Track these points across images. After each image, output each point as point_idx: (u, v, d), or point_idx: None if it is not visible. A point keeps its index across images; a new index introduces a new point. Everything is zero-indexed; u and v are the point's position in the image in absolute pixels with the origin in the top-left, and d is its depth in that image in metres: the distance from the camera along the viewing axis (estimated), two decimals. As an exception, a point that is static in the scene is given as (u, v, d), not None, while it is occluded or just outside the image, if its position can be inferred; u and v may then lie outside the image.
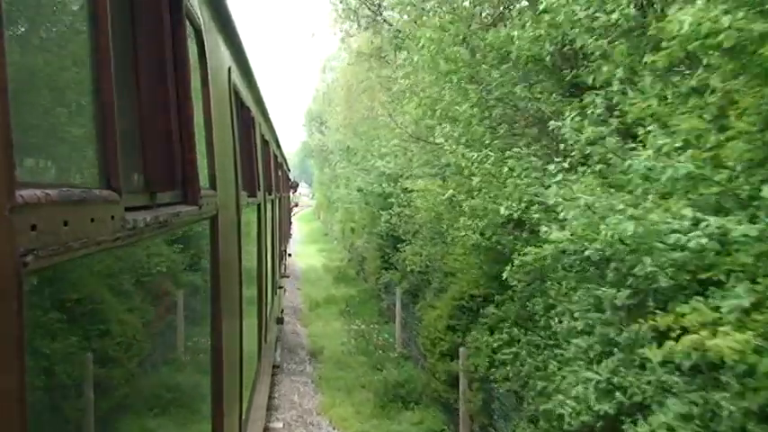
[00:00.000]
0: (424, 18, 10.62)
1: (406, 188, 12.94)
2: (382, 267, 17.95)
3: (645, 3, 5.93)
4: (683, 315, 3.77)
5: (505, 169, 6.91)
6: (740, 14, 3.68)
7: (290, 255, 22.88)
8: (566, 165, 5.67)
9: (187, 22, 2.45)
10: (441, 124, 9.16)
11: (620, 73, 5.25)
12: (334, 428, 10.41)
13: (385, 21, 17.04)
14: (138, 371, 1.78)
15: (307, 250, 37.63)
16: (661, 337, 4.06)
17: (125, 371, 1.64)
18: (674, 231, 3.98)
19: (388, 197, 15.54)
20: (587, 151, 5.54)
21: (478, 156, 7.54)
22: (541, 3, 5.98)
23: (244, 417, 4.06)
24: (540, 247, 5.66)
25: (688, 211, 3.99)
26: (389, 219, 14.40)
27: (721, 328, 3.49)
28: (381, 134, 16.93)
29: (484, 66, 8.24)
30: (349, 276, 25.68)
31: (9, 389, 0.76)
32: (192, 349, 2.71)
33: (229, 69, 4.00)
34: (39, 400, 1.02)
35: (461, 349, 8.65)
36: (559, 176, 5.52)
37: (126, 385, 1.66)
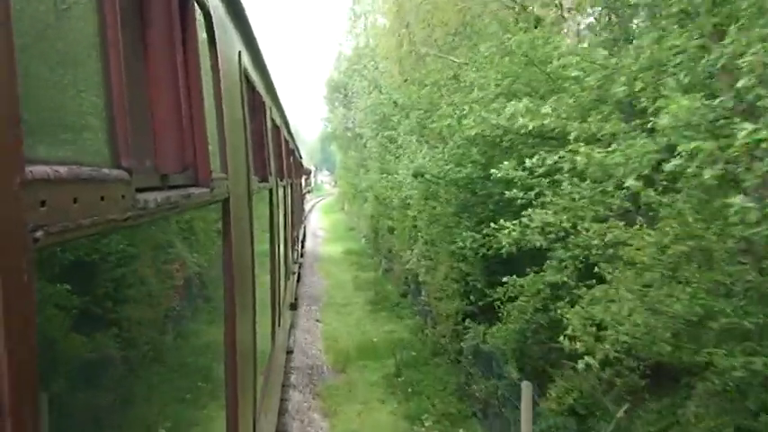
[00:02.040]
0: None
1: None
2: (464, 313, 11.59)
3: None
4: None
5: None
6: None
7: (300, 262, 18.91)
8: None
9: (196, 6, 2.44)
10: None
11: None
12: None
13: None
14: (147, 352, 1.79)
15: (330, 251, 30.78)
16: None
17: (133, 349, 1.65)
18: None
19: (483, 187, 10.66)
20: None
21: None
22: None
23: (258, 400, 4.09)
24: None
25: None
26: (510, 230, 8.03)
27: None
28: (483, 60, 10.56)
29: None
30: (390, 299, 19.69)
31: (22, 362, 0.77)
32: (205, 334, 2.73)
33: (240, 54, 3.99)
34: (49, 375, 1.03)
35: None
36: None
37: (133, 365, 1.67)
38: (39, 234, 0.83)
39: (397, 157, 17.55)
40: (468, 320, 11.48)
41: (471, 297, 11.40)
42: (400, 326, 16.90)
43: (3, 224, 0.75)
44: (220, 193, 2.56)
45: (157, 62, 1.98)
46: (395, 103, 15.90)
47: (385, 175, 19.17)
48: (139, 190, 1.38)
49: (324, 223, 46.29)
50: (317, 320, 17.62)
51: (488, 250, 9.49)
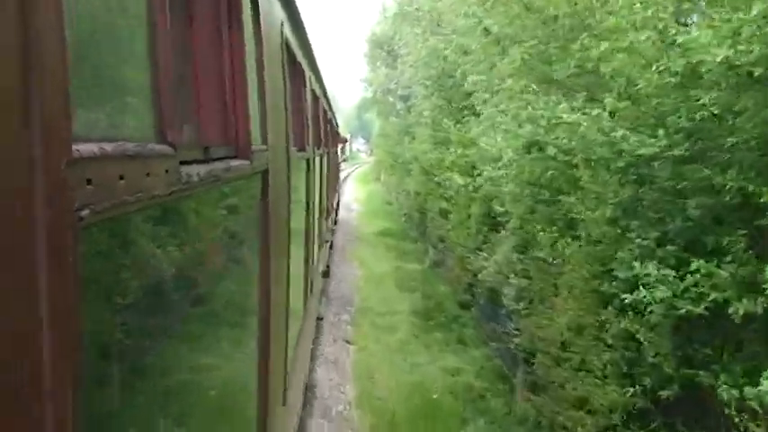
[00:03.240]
0: None
1: None
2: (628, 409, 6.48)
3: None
4: None
5: None
6: None
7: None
8: None
9: None
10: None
11: None
12: None
13: None
14: (191, 316, 1.83)
15: (365, 230, 25.84)
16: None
17: (177, 318, 1.68)
18: None
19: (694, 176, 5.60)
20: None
21: None
22: None
23: (289, 363, 4.18)
24: None
25: None
26: None
27: None
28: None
29: None
30: (444, 308, 14.34)
31: (66, 344, 0.78)
32: (243, 300, 2.77)
33: (281, 24, 3.96)
34: (97, 350, 1.06)
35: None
36: None
37: (180, 334, 1.71)
38: (84, 213, 0.84)
39: (458, 122, 13.92)
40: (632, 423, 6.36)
41: (644, 381, 6.31)
42: (465, 358, 11.67)
43: (50, 203, 0.75)
44: (260, 165, 2.57)
45: (203, 34, 1.97)
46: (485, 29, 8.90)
47: (440, 146, 16.01)
48: (183, 162, 1.38)
49: (359, 194, 41.39)
50: (347, 341, 12.25)
51: (698, 304, 5.18)
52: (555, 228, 8.04)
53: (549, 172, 8.06)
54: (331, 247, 15.67)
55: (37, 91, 0.73)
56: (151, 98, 1.26)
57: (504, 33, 8.66)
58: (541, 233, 8.22)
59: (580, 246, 7.41)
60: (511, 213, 9.89)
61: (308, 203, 6.30)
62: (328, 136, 12.68)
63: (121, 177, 0.98)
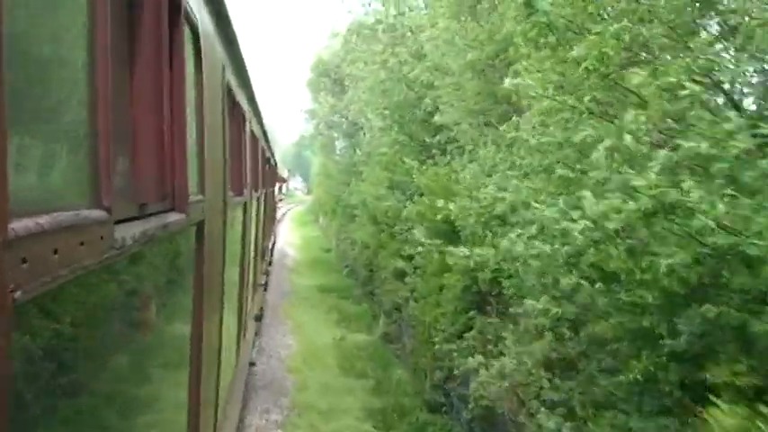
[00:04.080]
0: None
1: None
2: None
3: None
4: None
5: None
6: None
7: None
8: None
9: (185, 23, 2.40)
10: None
11: None
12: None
13: None
14: (123, 372, 1.75)
15: (302, 284, 22.40)
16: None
17: (113, 374, 1.61)
18: None
19: None
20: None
21: None
22: None
23: (220, 409, 4.05)
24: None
25: None
26: None
27: None
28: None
29: None
30: (406, 411, 10.61)
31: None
32: (176, 347, 2.69)
33: (223, 67, 3.95)
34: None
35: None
36: None
37: (114, 386, 1.63)
38: (17, 294, 0.80)
39: (423, 163, 11.57)
40: None
41: None
42: None
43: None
44: (196, 216, 2.52)
45: (143, 84, 1.94)
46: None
47: (398, 191, 13.77)
48: (118, 222, 1.34)
49: (294, 238, 37.01)
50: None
51: None
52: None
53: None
54: (265, 289, 15.21)
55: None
56: (87, 162, 1.22)
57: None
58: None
59: None
60: (548, 311, 6.19)
61: (243, 248, 6.20)
62: (266, 176, 12.60)
63: (55, 252, 0.94)
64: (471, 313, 9.65)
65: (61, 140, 1.20)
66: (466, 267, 8.30)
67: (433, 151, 12.31)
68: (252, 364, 9.89)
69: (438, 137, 12.16)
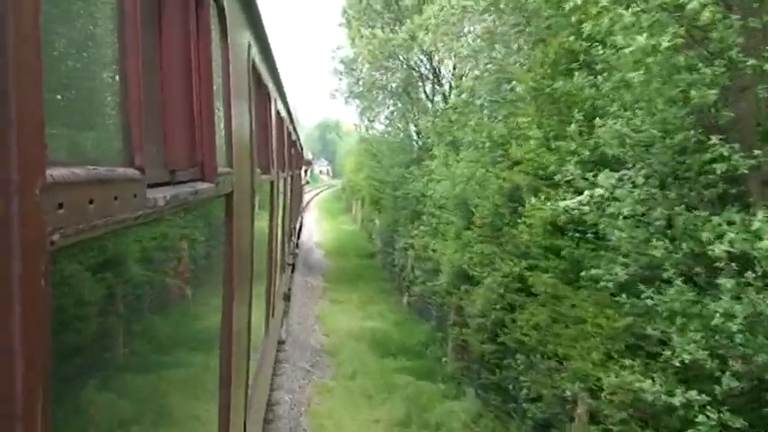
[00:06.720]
0: None
1: None
2: None
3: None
4: None
5: None
6: None
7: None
8: None
9: (212, 1, 2.44)
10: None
11: None
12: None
13: None
14: (154, 342, 1.81)
15: (339, 324, 13.36)
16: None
17: (144, 338, 1.67)
18: None
19: None
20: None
21: None
22: None
23: (250, 387, 4.14)
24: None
25: None
26: None
27: None
28: None
29: None
30: None
31: (36, 366, 0.78)
32: (205, 324, 2.75)
33: (249, 46, 3.99)
34: (64, 377, 1.05)
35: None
36: None
37: (145, 353, 1.69)
38: (55, 237, 0.85)
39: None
40: None
41: None
42: None
43: (23, 228, 0.76)
44: (225, 188, 2.57)
45: (172, 58, 1.99)
46: None
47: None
48: (150, 185, 1.39)
49: (323, 234, 27.90)
50: None
51: None
52: None
53: None
54: (293, 270, 15.31)
55: (12, 116, 0.75)
56: (120, 122, 1.27)
57: None
58: None
59: None
60: None
61: (271, 227, 6.28)
62: (292, 158, 12.68)
63: (91, 202, 0.99)
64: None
65: (97, 101, 1.25)
66: None
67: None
68: (281, 342, 10.04)
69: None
